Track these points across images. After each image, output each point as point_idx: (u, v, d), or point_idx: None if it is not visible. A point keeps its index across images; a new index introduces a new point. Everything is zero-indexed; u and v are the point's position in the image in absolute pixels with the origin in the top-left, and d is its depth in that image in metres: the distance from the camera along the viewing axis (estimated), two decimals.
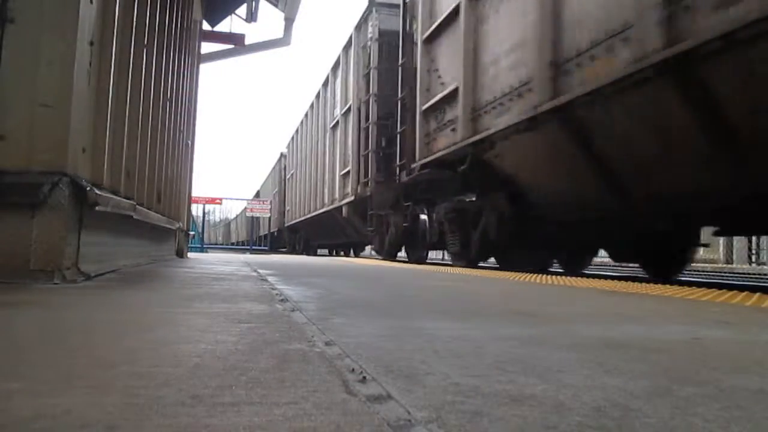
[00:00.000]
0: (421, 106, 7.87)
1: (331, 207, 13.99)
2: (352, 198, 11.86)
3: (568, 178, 5.18)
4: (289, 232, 22.70)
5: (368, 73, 11.07)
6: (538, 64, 5.01)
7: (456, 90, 6.72)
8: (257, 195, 32.06)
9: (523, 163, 5.71)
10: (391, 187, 9.90)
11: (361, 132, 11.40)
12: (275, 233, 26.48)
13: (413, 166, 8.23)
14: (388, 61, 10.34)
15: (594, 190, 4.94)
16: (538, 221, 5.97)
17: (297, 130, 20.23)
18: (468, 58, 6.45)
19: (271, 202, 26.02)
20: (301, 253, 19.64)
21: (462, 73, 6.56)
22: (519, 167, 5.81)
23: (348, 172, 12.40)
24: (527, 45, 5.26)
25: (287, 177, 22.29)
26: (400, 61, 9.50)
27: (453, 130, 6.89)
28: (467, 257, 7.32)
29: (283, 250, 24.97)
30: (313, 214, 16.37)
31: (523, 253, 7.20)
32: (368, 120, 10.93)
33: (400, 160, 9.41)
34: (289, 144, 22.33)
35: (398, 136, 9.59)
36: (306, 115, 18.39)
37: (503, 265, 7.49)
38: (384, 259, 10.64)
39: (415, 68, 8.16)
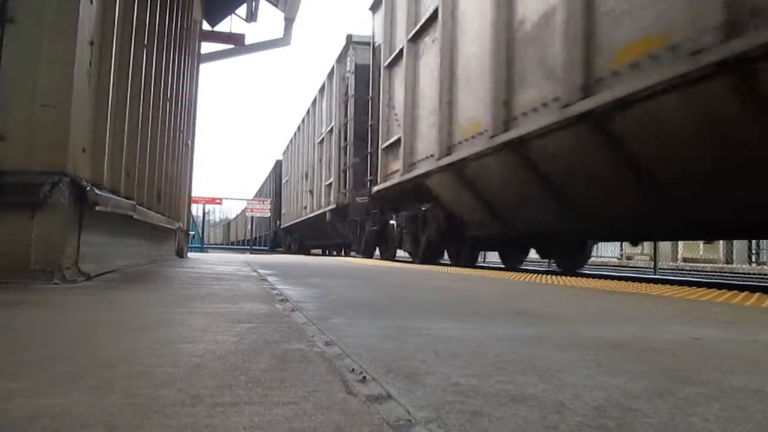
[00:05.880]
0: (381, 144, 9.93)
1: (319, 212, 15.67)
2: (334, 206, 13.84)
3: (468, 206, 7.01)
4: (285, 233, 23.95)
5: (346, 101, 13.00)
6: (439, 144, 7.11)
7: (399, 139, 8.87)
8: (257, 196, 32.30)
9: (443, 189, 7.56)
10: (364, 197, 11.73)
11: (341, 150, 13.40)
12: (273, 234, 27.43)
13: (374, 188, 10.32)
14: (362, 91, 12.12)
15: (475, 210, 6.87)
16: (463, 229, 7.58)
17: (291, 140, 21.93)
18: (408, 115, 8.51)
19: (271, 201, 26.19)
20: (297, 253, 20.40)
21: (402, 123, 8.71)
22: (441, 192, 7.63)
23: (330, 182, 14.45)
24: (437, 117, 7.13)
25: (283, 182, 23.79)
26: (369, 94, 11.39)
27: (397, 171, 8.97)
28: (416, 256, 8.91)
29: (280, 250, 25.74)
30: (305, 217, 17.99)
31: (457, 252, 8.52)
32: (347, 140, 12.92)
33: (370, 176, 11.23)
34: (285, 151, 23.84)
35: (369, 155, 11.36)
36: (298, 128, 20.25)
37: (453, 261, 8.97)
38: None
39: (379, 102, 10.17)
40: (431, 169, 7.36)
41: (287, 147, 23.11)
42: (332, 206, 14.01)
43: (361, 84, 12.17)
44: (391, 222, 10.14)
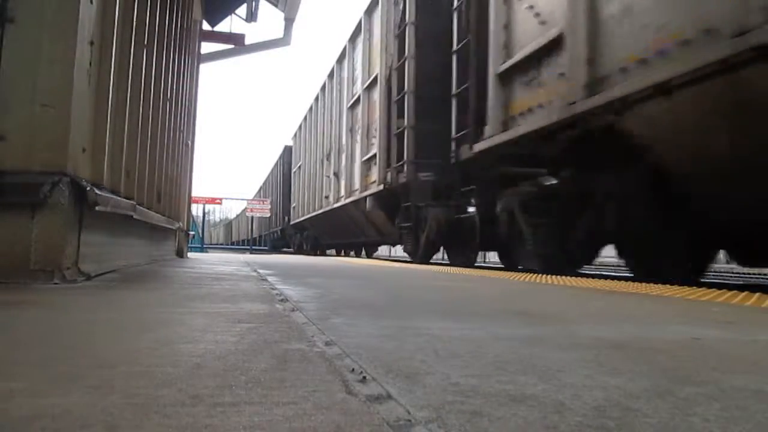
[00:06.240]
0: (497, 68, 5.84)
1: (349, 200, 12.11)
2: (380, 187, 9.69)
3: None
4: (295, 230, 20.98)
5: (402, 32, 9.16)
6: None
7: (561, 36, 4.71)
8: (258, 193, 31.81)
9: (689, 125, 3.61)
10: (429, 174, 8.37)
11: (392, 105, 9.51)
12: (278, 233, 25.40)
13: (476, 146, 6.15)
14: (426, 17, 8.77)
15: None
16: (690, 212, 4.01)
17: (305, 117, 18.47)
18: None
19: (271, 201, 25.79)
20: (309, 254, 18.08)
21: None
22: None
23: (372, 156, 10.42)
24: None
25: (293, 171, 20.77)
26: (454, 4, 7.46)
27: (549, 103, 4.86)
28: (557, 261, 5.27)
29: (287, 250, 24.09)
30: (325, 209, 14.72)
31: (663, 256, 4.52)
32: (402, 90, 9.09)
33: (456, 132, 7.12)
34: (295, 134, 20.61)
35: (454, 99, 7.24)
36: (316, 98, 16.47)
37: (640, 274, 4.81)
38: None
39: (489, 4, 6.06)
40: (675, 74, 3.44)
41: (299, 128, 19.52)
42: (377, 189, 9.87)
43: (427, 4, 8.72)
44: (470, 209, 7.31)
